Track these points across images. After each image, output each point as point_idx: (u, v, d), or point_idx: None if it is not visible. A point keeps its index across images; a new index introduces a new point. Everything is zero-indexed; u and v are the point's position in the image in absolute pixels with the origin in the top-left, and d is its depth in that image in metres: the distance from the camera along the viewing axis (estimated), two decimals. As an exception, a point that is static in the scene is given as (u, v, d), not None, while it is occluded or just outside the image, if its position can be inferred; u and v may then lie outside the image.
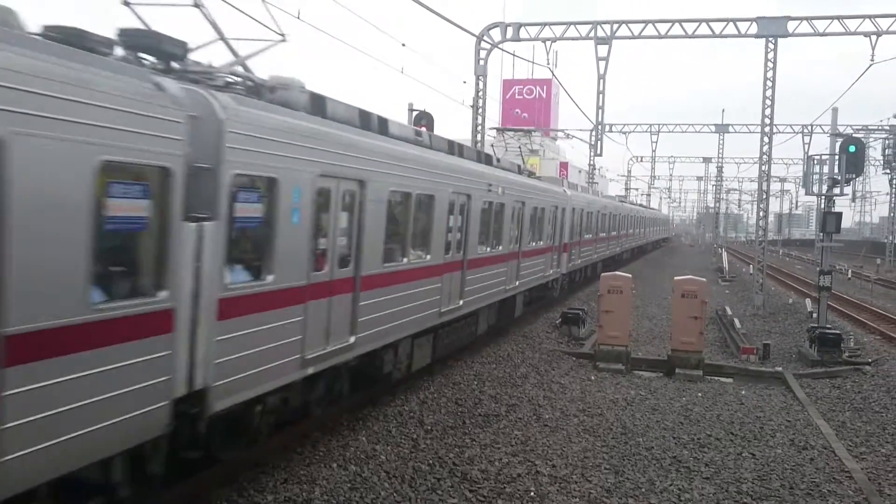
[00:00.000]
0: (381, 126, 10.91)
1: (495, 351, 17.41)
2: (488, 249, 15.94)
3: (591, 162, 52.12)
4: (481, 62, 29.07)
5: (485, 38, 29.14)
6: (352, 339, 9.93)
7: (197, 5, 8.26)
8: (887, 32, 26.97)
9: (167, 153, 6.32)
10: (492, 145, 23.23)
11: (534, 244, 20.28)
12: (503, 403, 13.36)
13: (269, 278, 7.92)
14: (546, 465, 10.53)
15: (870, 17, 27.11)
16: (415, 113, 25.01)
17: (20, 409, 5.21)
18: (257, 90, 8.50)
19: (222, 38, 8.64)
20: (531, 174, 23.99)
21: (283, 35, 9.10)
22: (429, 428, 11.61)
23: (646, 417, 13.35)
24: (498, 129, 27.99)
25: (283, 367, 8.30)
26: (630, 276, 18.60)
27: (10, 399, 5.13)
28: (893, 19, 26.96)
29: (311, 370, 8.94)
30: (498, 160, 17.85)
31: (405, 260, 11.49)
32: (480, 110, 29.63)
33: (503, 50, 30.71)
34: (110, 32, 7.21)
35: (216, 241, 7.00)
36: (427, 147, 12.73)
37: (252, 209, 7.58)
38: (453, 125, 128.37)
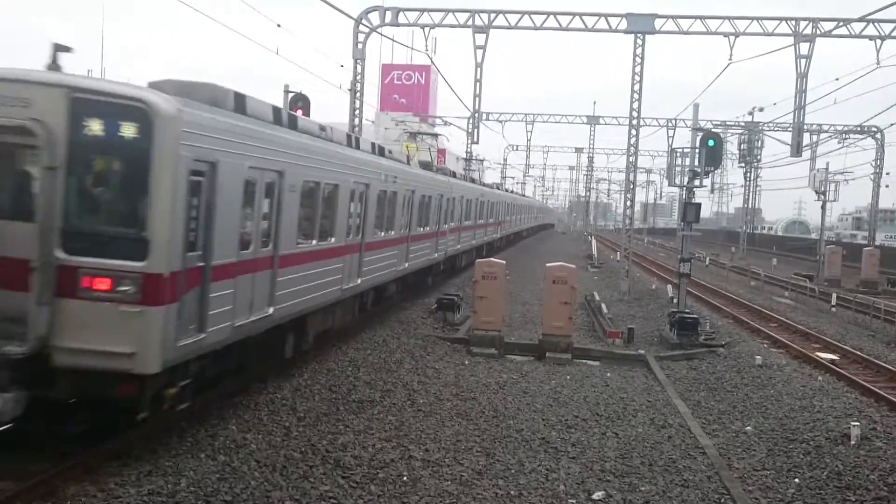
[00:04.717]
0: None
1: (371, 336, 17.38)
2: (382, 234, 17.85)
3: (469, 149, 52.76)
4: (359, 45, 28.79)
5: (363, 21, 28.88)
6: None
7: None
8: (744, 34, 28.64)
9: None
10: (386, 131, 23.54)
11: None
12: (378, 389, 13.36)
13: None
14: (419, 449, 10.63)
15: (728, 18, 28.71)
16: (291, 95, 24.48)
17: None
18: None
19: None
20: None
21: None
22: (301, 415, 11.47)
23: (517, 400, 13.69)
24: (402, 122, 27.89)
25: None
26: (504, 262, 18.96)
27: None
28: (750, 21, 28.66)
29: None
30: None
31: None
32: (358, 94, 29.37)
33: (381, 34, 30.55)
34: None
35: None
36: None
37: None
38: (330, 109, 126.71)
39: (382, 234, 17.68)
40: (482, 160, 76.19)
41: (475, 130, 39.80)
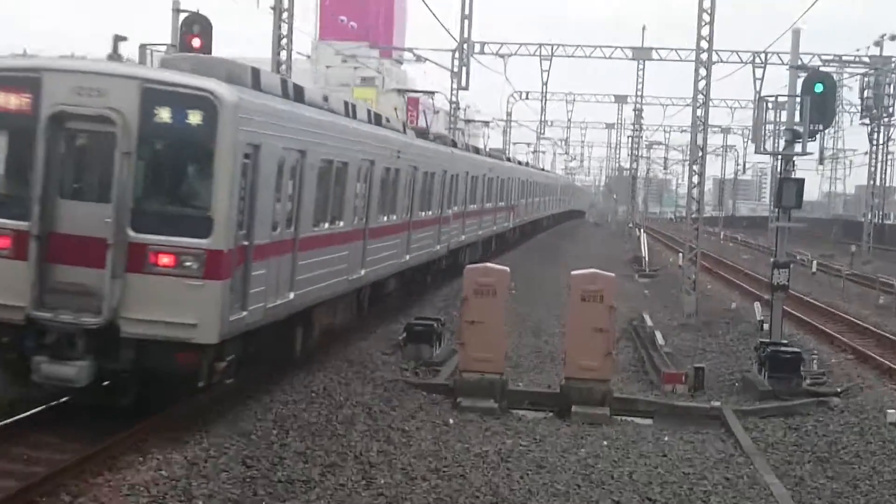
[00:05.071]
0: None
1: (306, 383, 17.35)
2: (385, 219, 22.86)
3: (454, 98, 52.74)
4: (288, -59, 28.79)
5: None
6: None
7: None
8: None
9: None
10: (328, 70, 23.96)
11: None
12: (316, 463, 13.37)
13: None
14: (380, 554, 10.61)
15: None
16: (183, 16, 24.43)
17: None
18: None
19: None
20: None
21: None
22: (200, 504, 11.43)
23: (528, 480, 13.71)
24: (352, 57, 28.02)
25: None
26: (507, 269, 18.98)
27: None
28: None
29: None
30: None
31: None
32: (286, 15, 29.35)
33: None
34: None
35: None
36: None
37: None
38: (244, 38, 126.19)
39: (385, 219, 22.99)
40: (487, 122, 76.10)
41: (463, 69, 39.82)
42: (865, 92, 62.03)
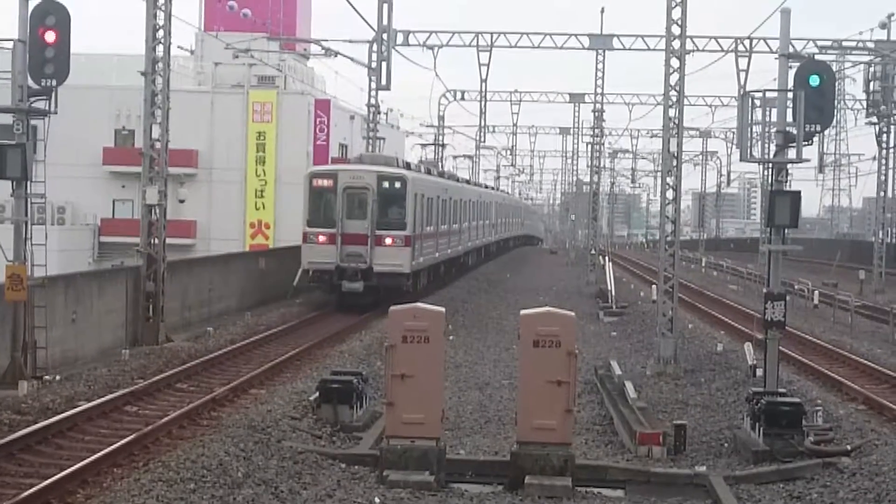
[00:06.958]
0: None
1: (194, 456, 17.16)
2: (445, 226, 55.27)
3: (373, 101, 52.84)
4: None
5: None
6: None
7: None
8: None
9: None
10: (217, 68, 23.87)
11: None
12: (209, 556, 13.27)
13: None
14: None
15: None
16: (33, 3, 24.29)
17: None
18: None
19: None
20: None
21: None
22: None
23: (473, 568, 13.72)
24: (247, 52, 27.95)
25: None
26: (442, 310, 18.94)
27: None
28: None
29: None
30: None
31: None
32: (162, 1, 29.26)
33: None
34: None
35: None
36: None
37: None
38: (112, 26, 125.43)
39: (444, 227, 52.78)
40: (386, 110, 76.92)
41: (383, 64, 39.89)
42: (871, 84, 62.74)
